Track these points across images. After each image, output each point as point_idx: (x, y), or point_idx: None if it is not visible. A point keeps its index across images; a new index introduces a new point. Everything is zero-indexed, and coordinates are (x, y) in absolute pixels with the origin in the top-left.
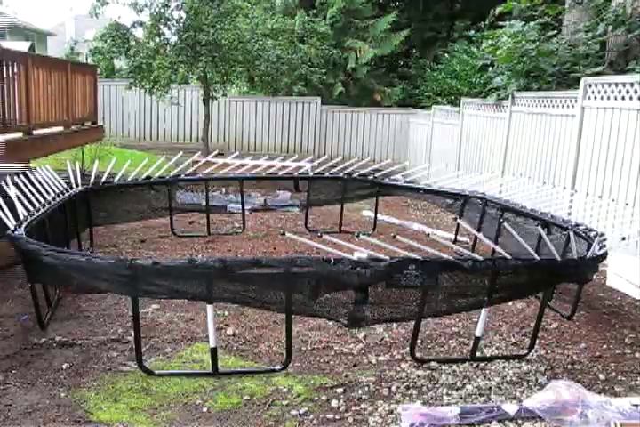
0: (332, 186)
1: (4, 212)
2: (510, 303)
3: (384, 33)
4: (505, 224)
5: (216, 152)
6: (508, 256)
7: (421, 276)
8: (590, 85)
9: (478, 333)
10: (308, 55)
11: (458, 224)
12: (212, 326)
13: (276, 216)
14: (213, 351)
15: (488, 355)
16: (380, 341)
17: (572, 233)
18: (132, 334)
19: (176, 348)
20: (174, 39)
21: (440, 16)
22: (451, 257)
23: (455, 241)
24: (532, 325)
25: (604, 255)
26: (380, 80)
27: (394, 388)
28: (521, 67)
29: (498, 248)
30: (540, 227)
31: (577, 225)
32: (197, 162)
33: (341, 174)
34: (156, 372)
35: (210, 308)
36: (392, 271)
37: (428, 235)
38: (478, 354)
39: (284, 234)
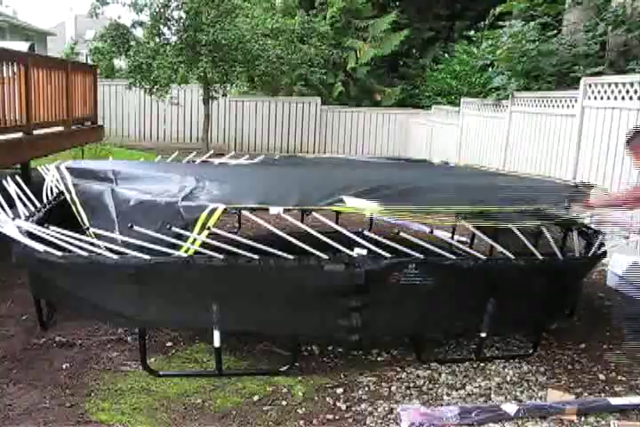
0: None
1: (4, 210)
2: None
3: (384, 33)
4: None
5: (212, 152)
6: (511, 255)
7: (424, 274)
8: (590, 85)
9: (483, 333)
10: (307, 55)
11: (455, 224)
12: (216, 325)
13: (276, 215)
14: (218, 351)
15: (488, 355)
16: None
17: (575, 232)
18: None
19: (176, 348)
20: (174, 39)
21: (440, 16)
22: (453, 256)
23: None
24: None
25: (604, 254)
26: (380, 80)
27: (394, 388)
28: (521, 67)
29: (500, 248)
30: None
31: (575, 223)
32: (195, 161)
33: None
34: (160, 373)
35: (214, 306)
36: (393, 269)
37: (432, 231)
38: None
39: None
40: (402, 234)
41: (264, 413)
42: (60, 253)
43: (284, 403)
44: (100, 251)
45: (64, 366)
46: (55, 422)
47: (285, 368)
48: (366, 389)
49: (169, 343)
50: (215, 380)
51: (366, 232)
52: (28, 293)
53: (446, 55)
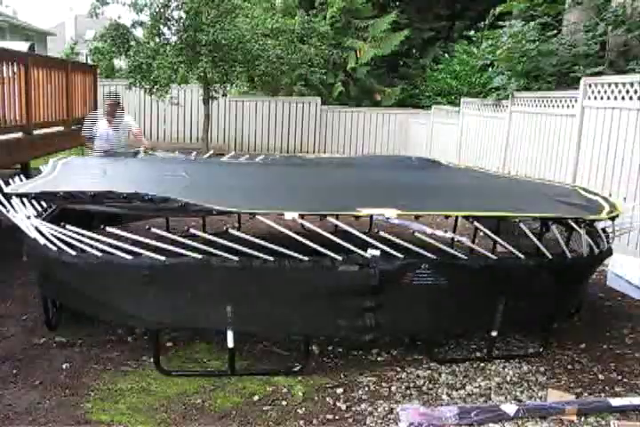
0: None
1: (13, 209)
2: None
3: (384, 33)
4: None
5: (212, 152)
6: (521, 255)
7: (437, 274)
8: (590, 85)
9: (494, 332)
10: (307, 55)
11: (455, 224)
12: (230, 326)
13: (275, 216)
14: (231, 352)
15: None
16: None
17: (583, 231)
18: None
19: (176, 348)
20: (174, 39)
21: (440, 16)
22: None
23: (452, 241)
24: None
25: (611, 251)
26: (380, 80)
27: (394, 388)
28: (521, 67)
29: (509, 247)
30: (553, 225)
31: (577, 222)
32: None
33: None
34: (173, 373)
35: (228, 307)
36: (407, 269)
37: (445, 231)
38: (478, 354)
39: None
40: (417, 234)
41: (264, 413)
42: (74, 253)
43: (284, 403)
44: (113, 251)
45: (64, 366)
46: (55, 422)
47: (297, 368)
48: (366, 389)
49: (169, 343)
50: (215, 380)
51: (382, 233)
52: (28, 293)
53: (446, 55)
